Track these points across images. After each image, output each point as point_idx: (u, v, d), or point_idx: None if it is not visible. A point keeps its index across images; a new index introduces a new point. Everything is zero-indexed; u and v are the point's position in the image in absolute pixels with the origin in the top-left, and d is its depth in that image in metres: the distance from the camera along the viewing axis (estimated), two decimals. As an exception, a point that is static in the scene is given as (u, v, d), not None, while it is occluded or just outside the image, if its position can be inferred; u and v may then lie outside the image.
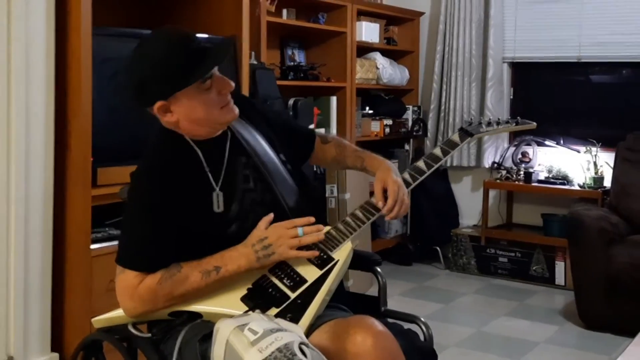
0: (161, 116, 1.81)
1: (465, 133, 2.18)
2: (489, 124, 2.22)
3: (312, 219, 1.85)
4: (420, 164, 2.09)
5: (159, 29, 1.84)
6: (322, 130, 4.54)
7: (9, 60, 2.63)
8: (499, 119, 2.27)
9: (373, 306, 2.14)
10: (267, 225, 1.83)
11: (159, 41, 1.79)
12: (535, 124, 2.26)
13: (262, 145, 1.98)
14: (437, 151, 2.12)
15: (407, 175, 2.05)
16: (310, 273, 1.83)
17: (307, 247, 1.84)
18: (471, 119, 2.27)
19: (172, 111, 1.80)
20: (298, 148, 2.14)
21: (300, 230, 1.81)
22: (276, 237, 1.80)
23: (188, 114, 1.80)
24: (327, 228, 1.92)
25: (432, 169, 2.09)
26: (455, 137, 2.16)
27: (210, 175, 1.86)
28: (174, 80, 1.74)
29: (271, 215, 1.85)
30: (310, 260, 1.85)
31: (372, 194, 2.05)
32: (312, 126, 4.47)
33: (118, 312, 1.86)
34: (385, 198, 1.97)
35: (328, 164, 2.25)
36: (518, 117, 2.28)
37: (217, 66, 1.81)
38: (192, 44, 1.78)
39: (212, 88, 1.80)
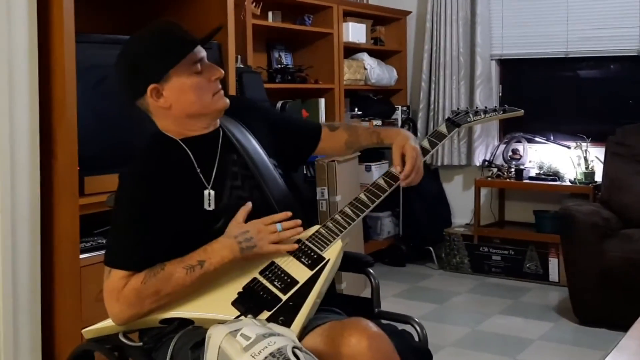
0: (154, 102, 1.85)
1: (452, 124, 2.16)
2: (476, 113, 2.20)
3: (289, 214, 1.85)
4: None
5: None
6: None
7: (-9, 69, 2.60)
8: (486, 107, 2.25)
9: (367, 308, 2.13)
10: (245, 215, 1.83)
11: (149, 28, 1.88)
12: (522, 111, 2.24)
13: (253, 144, 1.99)
14: (425, 143, 2.11)
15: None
16: (301, 274, 1.81)
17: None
18: (458, 108, 2.26)
19: (164, 96, 1.84)
20: (304, 141, 2.15)
21: (278, 226, 1.82)
22: (256, 231, 1.80)
23: (180, 98, 1.84)
24: (317, 227, 1.91)
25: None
26: (443, 128, 2.15)
27: (201, 174, 1.87)
28: (165, 57, 1.81)
29: (249, 205, 1.85)
30: (301, 261, 1.84)
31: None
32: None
33: (108, 322, 1.84)
34: (404, 163, 2.01)
35: (340, 149, 2.22)
36: (505, 105, 2.26)
37: (205, 51, 1.89)
38: (181, 29, 1.87)
39: (203, 73, 1.85)
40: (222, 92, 1.90)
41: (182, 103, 1.85)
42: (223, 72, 1.90)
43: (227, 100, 1.91)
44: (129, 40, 1.89)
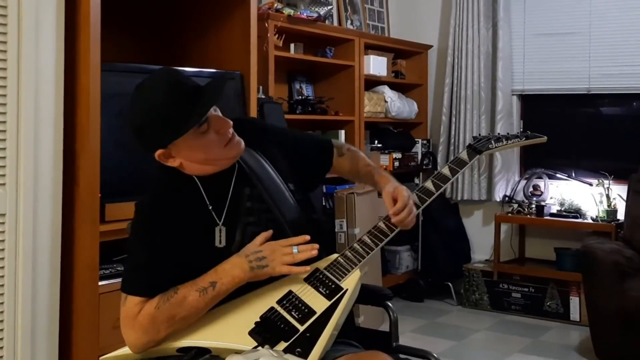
0: (164, 162, 1.82)
1: (474, 150, 2.11)
2: (498, 139, 2.14)
3: (307, 237, 1.81)
4: (428, 184, 2.03)
5: (153, 73, 1.82)
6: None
7: (18, 96, 2.63)
8: (507, 133, 2.20)
9: (384, 342, 2.10)
10: (263, 241, 1.81)
11: (152, 88, 1.77)
12: (545, 137, 2.18)
13: (268, 172, 1.97)
14: (446, 170, 2.05)
15: (415, 197, 1.99)
16: (319, 304, 1.79)
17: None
18: (479, 134, 2.20)
19: (173, 156, 1.81)
20: (318, 161, 2.13)
21: (295, 249, 1.78)
22: (270, 251, 1.78)
23: (190, 156, 1.81)
24: (335, 256, 1.89)
25: (441, 189, 2.03)
26: (464, 155, 2.09)
27: (213, 211, 1.86)
28: (168, 130, 1.74)
29: (270, 232, 1.83)
30: (319, 290, 1.82)
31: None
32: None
33: (126, 350, 1.83)
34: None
35: (345, 175, 2.21)
36: (528, 131, 2.21)
37: (213, 108, 1.80)
38: (184, 88, 1.76)
39: (210, 129, 1.79)
40: (234, 139, 1.84)
41: (192, 161, 1.82)
42: (231, 122, 1.83)
43: (241, 146, 1.86)
44: (133, 100, 1.79)
